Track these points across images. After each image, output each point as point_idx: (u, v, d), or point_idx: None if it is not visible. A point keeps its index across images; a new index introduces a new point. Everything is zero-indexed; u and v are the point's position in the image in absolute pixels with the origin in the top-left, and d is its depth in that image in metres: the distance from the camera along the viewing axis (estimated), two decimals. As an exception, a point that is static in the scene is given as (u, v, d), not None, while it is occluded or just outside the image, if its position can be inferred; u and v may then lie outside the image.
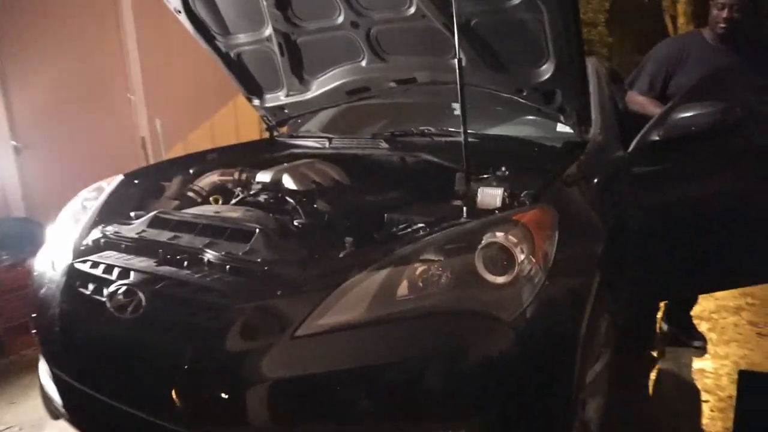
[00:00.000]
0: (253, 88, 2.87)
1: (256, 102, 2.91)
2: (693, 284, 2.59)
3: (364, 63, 2.47)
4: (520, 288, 1.31)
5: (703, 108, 2.25)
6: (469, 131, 2.64)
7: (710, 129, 2.23)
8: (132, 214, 2.03)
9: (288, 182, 2.14)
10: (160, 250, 1.62)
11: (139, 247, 1.71)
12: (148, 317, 1.46)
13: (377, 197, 2.06)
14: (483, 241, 1.38)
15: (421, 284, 1.36)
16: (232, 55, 2.71)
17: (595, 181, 1.98)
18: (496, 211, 1.58)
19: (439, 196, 2.11)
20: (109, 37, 4.51)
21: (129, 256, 1.67)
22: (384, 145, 2.53)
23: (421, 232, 1.52)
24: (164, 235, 1.73)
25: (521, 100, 2.26)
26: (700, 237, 2.30)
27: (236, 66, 2.76)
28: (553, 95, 2.17)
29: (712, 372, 2.85)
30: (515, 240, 1.36)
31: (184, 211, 1.93)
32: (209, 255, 1.56)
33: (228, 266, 1.51)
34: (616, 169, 2.20)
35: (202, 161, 2.60)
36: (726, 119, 2.22)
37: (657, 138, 2.33)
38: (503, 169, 2.03)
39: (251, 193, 2.06)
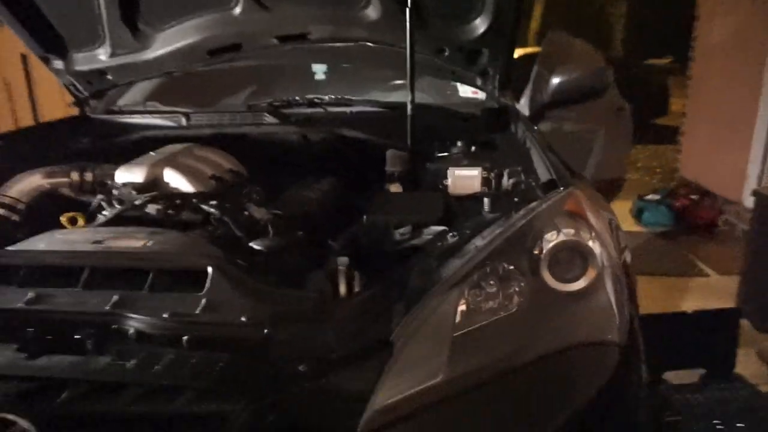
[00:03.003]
0: (52, 44, 1.98)
1: (58, 64, 2.04)
2: None
3: (237, 11, 1.88)
4: (606, 292, 1.05)
5: (582, 71, 2.29)
6: (363, 98, 2.31)
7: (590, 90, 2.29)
8: None
9: (176, 181, 1.48)
10: (27, 328, 0.91)
11: None
12: None
13: (314, 192, 1.57)
14: (546, 242, 1.07)
15: (485, 312, 1.00)
16: (14, -12, 1.81)
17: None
18: (515, 199, 1.27)
19: (373, 182, 1.72)
20: None
21: None
22: (270, 119, 1.98)
23: (449, 239, 1.13)
24: (14, 297, 0.99)
25: (439, 61, 1.96)
26: None
27: (22, 7, 1.86)
28: (477, 56, 1.93)
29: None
30: (587, 234, 1.08)
31: (25, 244, 1.16)
32: (135, 323, 0.92)
33: (185, 338, 0.90)
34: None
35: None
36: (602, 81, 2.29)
37: (546, 101, 2.34)
38: (459, 144, 1.74)
39: (135, 203, 1.33)
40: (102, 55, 2.00)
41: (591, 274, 1.06)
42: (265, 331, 0.90)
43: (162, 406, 0.84)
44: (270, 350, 0.90)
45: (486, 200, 1.25)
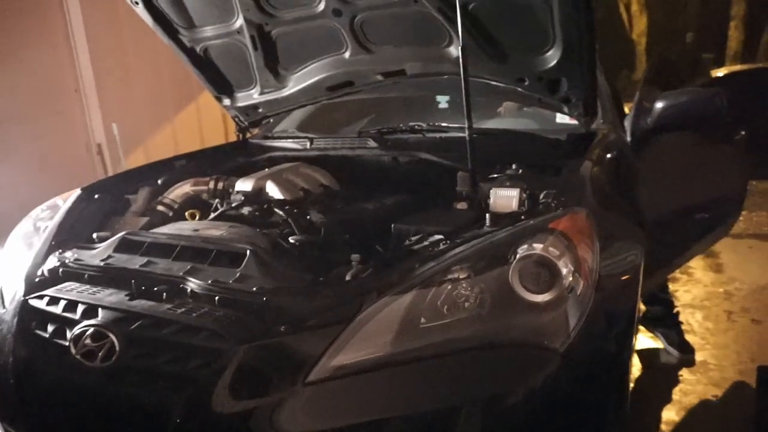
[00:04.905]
0: (222, 87, 2.61)
1: (227, 102, 2.65)
2: None
3: (347, 55, 2.25)
4: (566, 307, 1.13)
5: (689, 95, 2.15)
6: (461, 125, 2.52)
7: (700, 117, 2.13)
8: (94, 236, 1.75)
9: (273, 191, 1.90)
10: (133, 281, 1.37)
11: (106, 277, 1.45)
12: (124, 365, 1.22)
13: (375, 204, 1.85)
14: (518, 254, 1.19)
15: (450, 309, 1.17)
16: (197, 50, 2.45)
17: (613, 174, 1.82)
18: (522, 217, 1.39)
19: (442, 199, 1.93)
20: (55, 36, 4.13)
21: (95, 289, 1.41)
22: (372, 143, 2.32)
23: (441, 246, 1.32)
24: (135, 261, 1.48)
25: (522, 90, 2.08)
26: None
27: (203, 63, 2.50)
28: (557, 84, 2.01)
29: (716, 364, 2.77)
30: (557, 251, 1.18)
31: (156, 230, 1.67)
32: (192, 284, 1.32)
33: (217, 298, 1.27)
34: (627, 159, 2.06)
35: (170, 169, 2.34)
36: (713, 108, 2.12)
37: (649, 127, 2.24)
38: (513, 166, 1.86)
39: (232, 205, 1.80)
40: (254, 94, 2.56)
41: (555, 290, 1.16)
42: (264, 299, 1.22)
43: (189, 339, 1.21)
44: (265, 312, 1.21)
45: (488, 216, 1.39)
